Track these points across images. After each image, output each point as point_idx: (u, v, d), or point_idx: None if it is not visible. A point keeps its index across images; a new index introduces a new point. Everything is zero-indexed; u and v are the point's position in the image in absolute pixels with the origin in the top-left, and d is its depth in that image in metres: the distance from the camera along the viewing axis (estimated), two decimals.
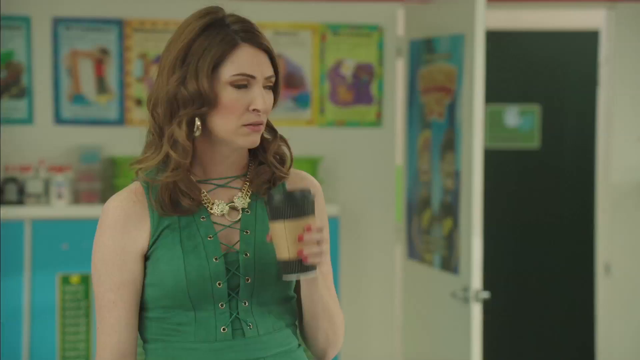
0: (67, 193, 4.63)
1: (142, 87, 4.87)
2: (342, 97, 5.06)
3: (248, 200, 2.03)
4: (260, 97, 1.95)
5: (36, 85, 4.78)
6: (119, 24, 4.84)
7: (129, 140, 4.82)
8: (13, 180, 4.62)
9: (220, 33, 1.94)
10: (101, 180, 4.78)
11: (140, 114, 4.86)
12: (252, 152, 2.05)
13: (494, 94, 5.60)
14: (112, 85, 4.84)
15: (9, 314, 4.48)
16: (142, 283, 1.99)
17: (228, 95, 1.94)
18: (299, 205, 1.88)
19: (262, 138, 2.03)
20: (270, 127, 2.06)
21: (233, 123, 1.95)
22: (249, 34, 1.95)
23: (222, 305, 1.97)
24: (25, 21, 4.76)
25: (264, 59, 1.96)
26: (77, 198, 4.73)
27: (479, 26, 4.07)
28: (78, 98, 4.82)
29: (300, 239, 1.88)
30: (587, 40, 5.70)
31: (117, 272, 1.96)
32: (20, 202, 4.62)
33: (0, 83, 4.73)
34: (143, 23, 4.86)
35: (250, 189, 2.04)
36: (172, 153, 1.95)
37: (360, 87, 5.07)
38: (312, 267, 1.90)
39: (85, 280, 4.58)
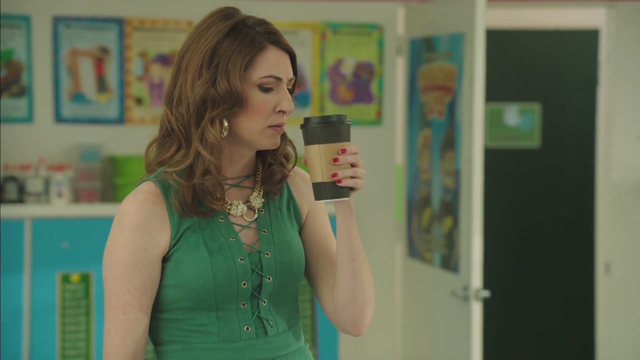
0: (67, 192, 4.63)
1: (142, 86, 4.87)
2: (342, 96, 5.06)
3: (262, 200, 2.05)
4: (287, 99, 1.98)
5: (36, 84, 4.78)
6: (119, 23, 4.84)
7: (129, 139, 4.82)
8: (13, 179, 4.62)
9: (248, 35, 1.96)
10: (101, 179, 4.78)
11: (140, 113, 4.87)
12: (260, 152, 2.07)
13: (494, 93, 5.60)
14: (112, 84, 4.85)
15: (9, 312, 4.48)
16: (158, 285, 1.98)
17: (256, 96, 1.96)
18: (334, 129, 1.91)
19: None
20: None
21: (259, 124, 1.97)
22: (273, 35, 1.98)
23: (244, 304, 1.99)
24: (25, 20, 4.76)
25: (287, 60, 2.00)
26: (77, 197, 4.74)
27: (479, 25, 4.07)
28: (78, 97, 4.82)
29: (335, 161, 1.91)
30: (587, 39, 5.70)
31: (137, 274, 1.95)
32: (20, 200, 4.62)
33: (1, 82, 4.73)
34: (143, 22, 4.86)
35: (262, 188, 2.06)
36: (205, 154, 1.95)
37: (361, 86, 5.07)
38: (345, 192, 1.93)
39: (86, 279, 4.58)
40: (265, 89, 1.96)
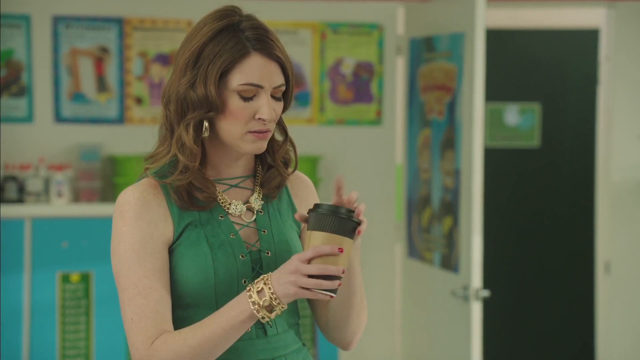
0: (67, 191, 4.63)
1: (142, 86, 4.87)
2: (342, 96, 5.06)
3: (262, 202, 2.04)
4: (267, 107, 1.94)
5: (36, 84, 4.78)
6: (119, 23, 4.84)
7: (129, 139, 4.82)
8: (13, 178, 4.62)
9: (232, 39, 1.93)
10: (101, 178, 4.78)
11: (140, 113, 4.87)
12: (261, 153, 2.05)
13: (494, 93, 5.60)
14: (112, 83, 4.84)
15: (9, 312, 4.48)
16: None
17: (235, 103, 1.93)
18: (342, 222, 1.85)
19: (273, 140, 2.04)
20: (282, 129, 2.06)
21: (238, 129, 1.95)
22: (261, 42, 1.93)
23: None
24: (25, 19, 4.76)
25: (274, 68, 1.95)
26: (77, 196, 4.73)
27: (479, 25, 4.07)
28: (78, 96, 4.82)
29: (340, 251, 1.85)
30: (587, 39, 5.70)
31: (150, 259, 1.92)
32: (20, 200, 4.62)
33: (0, 81, 4.73)
34: (143, 21, 4.86)
35: (262, 191, 2.05)
36: (180, 156, 1.95)
37: (360, 86, 5.07)
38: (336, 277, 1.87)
39: (85, 278, 4.58)
40: (245, 96, 1.93)
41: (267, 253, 2.00)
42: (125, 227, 1.94)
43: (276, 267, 1.98)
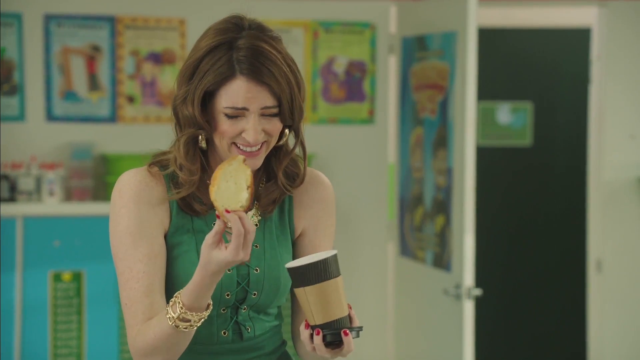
0: (59, 190, 4.62)
1: (133, 84, 4.86)
2: (334, 95, 5.06)
3: (259, 217, 2.00)
4: (252, 130, 1.88)
5: (28, 82, 4.77)
6: (111, 21, 4.83)
7: (120, 138, 4.82)
8: (5, 177, 4.61)
9: (222, 58, 1.87)
10: (93, 177, 4.77)
11: (132, 111, 4.86)
12: (266, 161, 1.98)
13: (486, 92, 5.60)
14: (103, 82, 4.84)
15: (0, 311, 4.47)
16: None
17: (222, 121, 1.89)
18: (319, 271, 1.82)
19: (281, 148, 1.99)
20: (295, 137, 1.99)
21: (226, 144, 1.91)
22: (251, 66, 1.86)
23: (224, 310, 1.96)
24: (17, 18, 4.75)
25: (262, 91, 1.87)
26: (69, 195, 4.73)
27: (471, 23, 4.07)
28: (70, 95, 4.81)
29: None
30: (579, 38, 5.71)
31: (146, 243, 1.90)
32: (11, 199, 4.61)
33: None
34: (135, 20, 4.85)
35: (259, 206, 2.00)
36: (177, 172, 1.93)
37: (353, 85, 5.07)
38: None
39: (77, 277, 4.57)
40: (231, 117, 1.88)
41: (256, 270, 1.96)
42: (124, 208, 1.91)
43: (264, 285, 1.96)
